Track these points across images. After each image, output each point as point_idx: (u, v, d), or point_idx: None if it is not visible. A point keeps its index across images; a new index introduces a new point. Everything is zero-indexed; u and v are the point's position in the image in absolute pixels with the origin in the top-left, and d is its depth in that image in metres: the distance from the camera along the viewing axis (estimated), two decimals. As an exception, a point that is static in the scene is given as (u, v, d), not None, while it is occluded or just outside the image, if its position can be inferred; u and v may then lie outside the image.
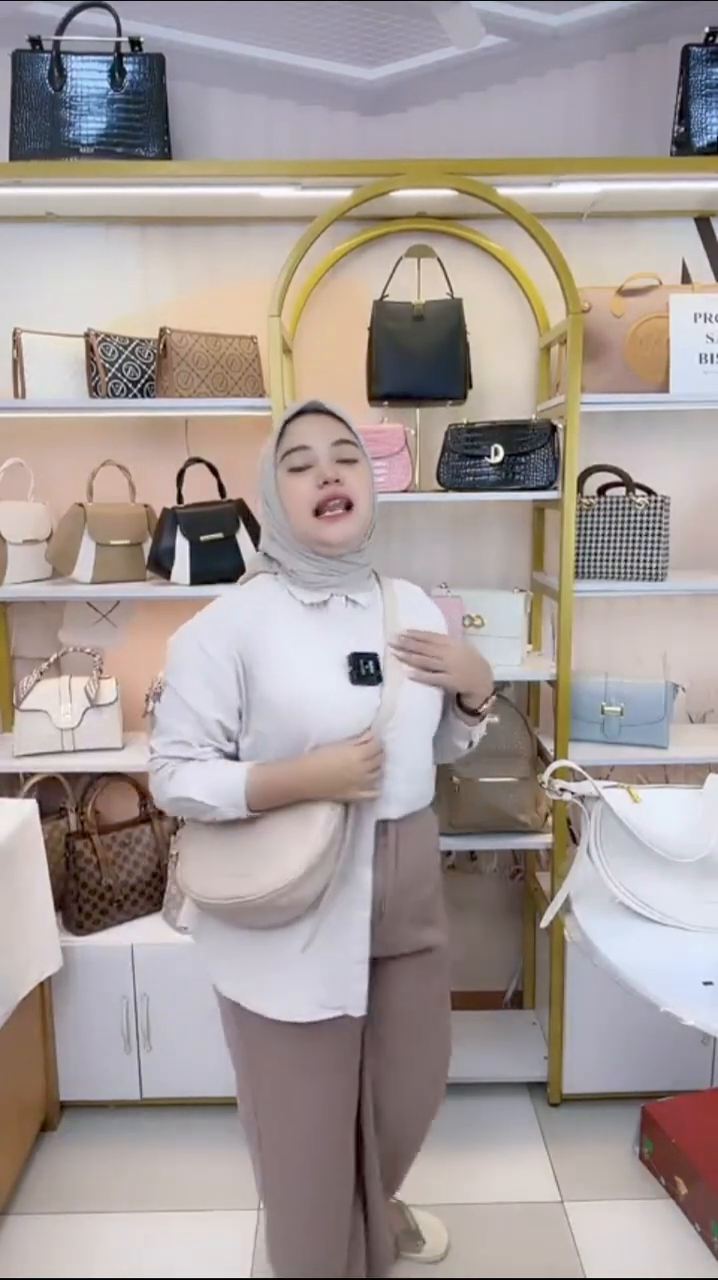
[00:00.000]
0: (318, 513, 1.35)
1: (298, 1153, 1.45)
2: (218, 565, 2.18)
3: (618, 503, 2.16)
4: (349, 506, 1.36)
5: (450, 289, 2.18)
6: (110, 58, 2.06)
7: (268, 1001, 1.39)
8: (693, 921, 1.45)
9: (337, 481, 1.34)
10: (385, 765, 1.35)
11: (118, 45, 2.05)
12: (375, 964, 1.44)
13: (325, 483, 1.34)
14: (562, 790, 1.51)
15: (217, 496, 2.27)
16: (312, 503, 1.34)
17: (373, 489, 1.41)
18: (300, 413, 1.39)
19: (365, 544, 1.42)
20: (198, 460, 2.25)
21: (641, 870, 1.48)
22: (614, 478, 2.22)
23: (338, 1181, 1.49)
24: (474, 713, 1.50)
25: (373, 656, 1.36)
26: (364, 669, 1.35)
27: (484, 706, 1.51)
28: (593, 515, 2.19)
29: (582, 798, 1.51)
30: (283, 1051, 1.42)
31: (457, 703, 1.50)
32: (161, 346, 2.12)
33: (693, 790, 1.58)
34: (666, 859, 1.46)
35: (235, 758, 1.40)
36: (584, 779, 1.53)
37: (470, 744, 1.58)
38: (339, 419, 1.39)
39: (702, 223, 2.33)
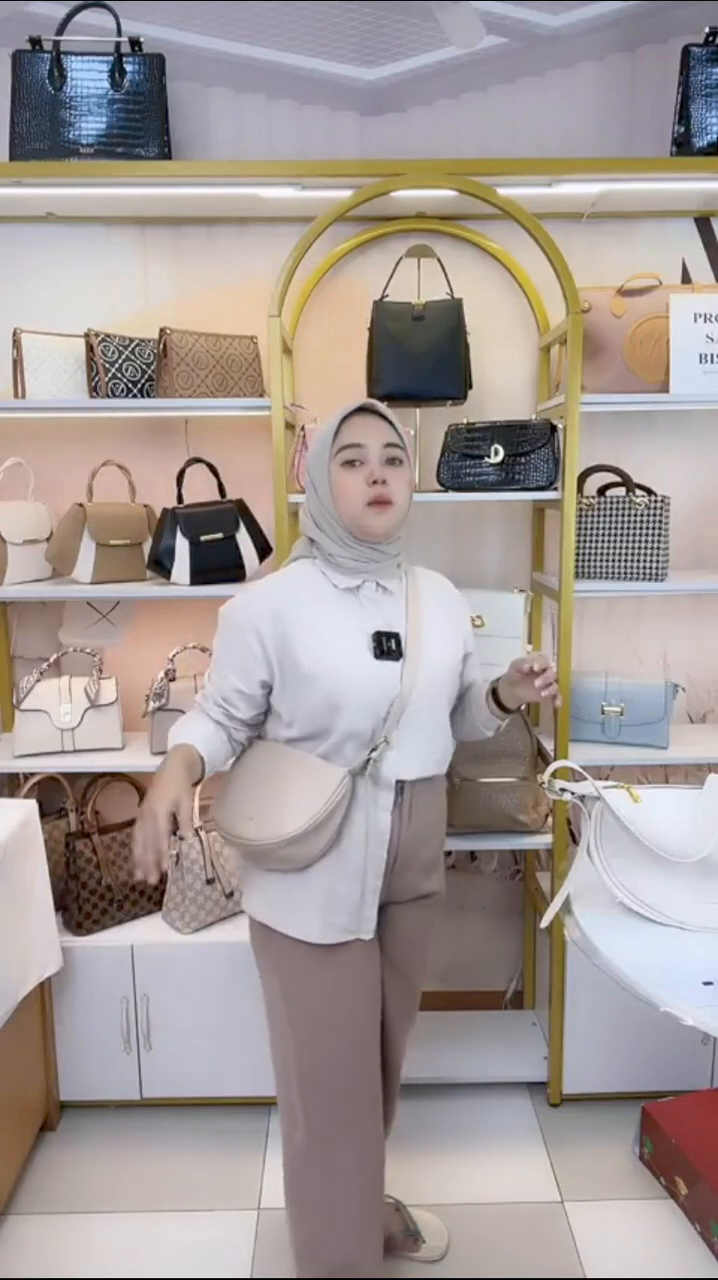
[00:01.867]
0: (367, 504, 1.49)
1: (332, 1066, 1.55)
2: (218, 565, 2.18)
3: (618, 503, 2.16)
4: (390, 503, 1.50)
5: (450, 289, 2.18)
6: (110, 58, 2.06)
7: (297, 925, 1.53)
8: (693, 921, 1.45)
9: (383, 482, 1.48)
10: (401, 733, 1.50)
11: (118, 45, 2.06)
12: (383, 907, 1.60)
13: (375, 482, 1.47)
14: (562, 790, 1.51)
15: (217, 496, 2.27)
16: (362, 498, 1.48)
17: (412, 489, 1.56)
18: (357, 411, 1.52)
19: (398, 536, 1.56)
20: (198, 460, 2.25)
21: (641, 870, 1.48)
22: (614, 478, 2.22)
23: (368, 1099, 1.59)
24: (507, 710, 1.65)
25: (395, 635, 1.50)
26: (387, 645, 1.49)
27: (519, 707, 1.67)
28: (593, 515, 2.19)
29: (582, 798, 1.51)
30: (316, 972, 1.54)
31: (495, 701, 1.64)
32: (161, 346, 2.12)
33: (693, 790, 1.58)
34: (666, 859, 1.46)
35: (257, 724, 1.58)
36: (584, 779, 1.53)
37: (497, 730, 1.72)
38: (389, 422, 1.52)
39: (702, 223, 2.34)
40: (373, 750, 1.48)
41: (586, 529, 2.19)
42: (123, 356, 2.16)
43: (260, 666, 1.50)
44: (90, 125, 2.07)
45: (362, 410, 1.52)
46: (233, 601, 1.54)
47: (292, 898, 1.53)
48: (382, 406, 1.52)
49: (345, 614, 1.52)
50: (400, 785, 1.53)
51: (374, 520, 1.49)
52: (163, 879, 2.31)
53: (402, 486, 1.52)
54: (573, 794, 1.51)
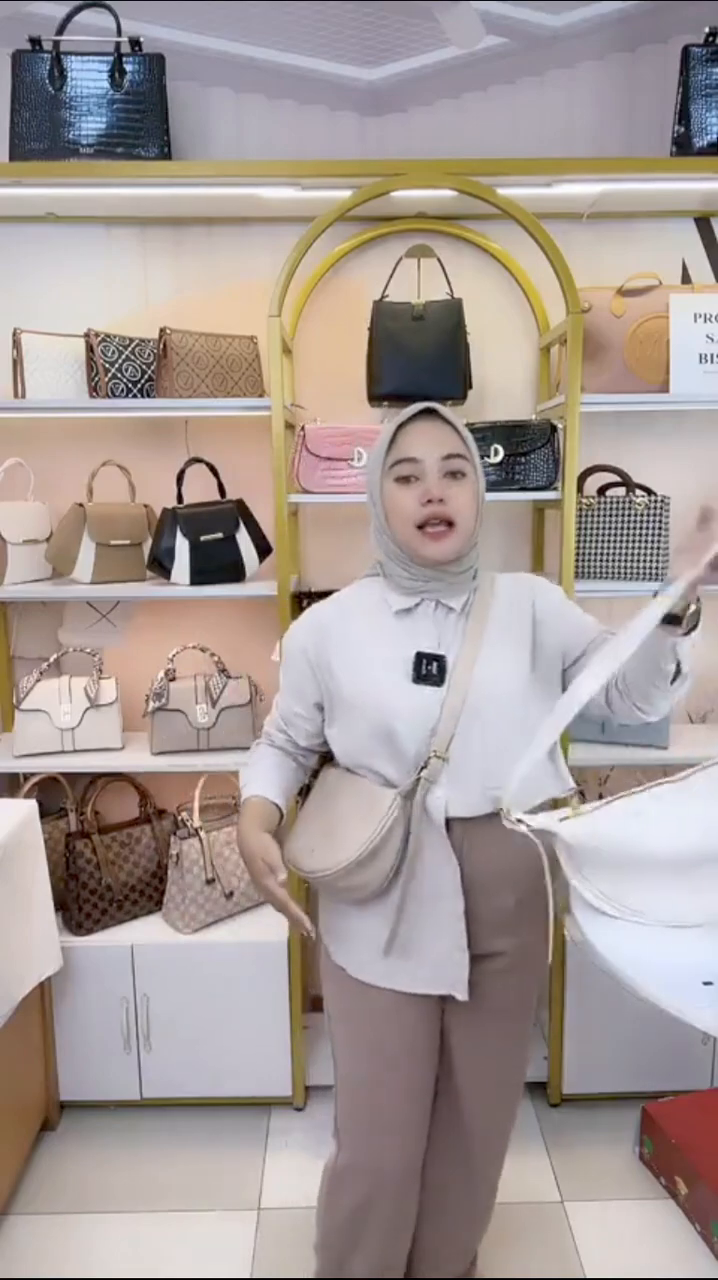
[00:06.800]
0: (420, 526, 1.37)
1: (374, 1105, 1.49)
2: (218, 565, 2.18)
3: (618, 503, 2.16)
4: (451, 524, 1.36)
5: (450, 289, 2.18)
6: (110, 58, 2.06)
7: (372, 968, 1.44)
8: (686, 917, 1.43)
9: (440, 501, 1.35)
10: (451, 766, 1.36)
11: (118, 45, 2.05)
12: None
13: (429, 501, 1.35)
14: (518, 822, 1.29)
15: (217, 496, 2.27)
16: (415, 518, 1.36)
17: (479, 500, 1.41)
18: (416, 415, 1.39)
19: (468, 554, 1.43)
20: (198, 460, 2.25)
21: (625, 876, 1.45)
22: (614, 478, 2.22)
23: (404, 1160, 1.51)
24: (676, 619, 1.24)
25: (438, 658, 1.38)
26: (426, 669, 1.37)
27: (690, 610, 1.25)
28: (593, 515, 2.19)
29: (538, 832, 1.30)
30: (368, 1009, 1.46)
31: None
32: (161, 346, 2.12)
33: (678, 785, 1.53)
34: (658, 862, 1.44)
35: (316, 751, 1.55)
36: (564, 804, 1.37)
37: (679, 670, 1.35)
38: (454, 427, 1.39)
39: (702, 223, 2.33)
40: (422, 769, 1.35)
41: (586, 529, 2.19)
42: (123, 356, 2.16)
43: (311, 686, 1.47)
44: (90, 125, 2.07)
45: (422, 413, 1.38)
46: (294, 623, 1.53)
47: (354, 929, 1.46)
48: (444, 410, 1.39)
49: (392, 636, 1.41)
50: (449, 824, 1.38)
51: (429, 548, 1.37)
52: (162, 879, 2.31)
53: (465, 502, 1.37)
54: (529, 827, 1.29)
